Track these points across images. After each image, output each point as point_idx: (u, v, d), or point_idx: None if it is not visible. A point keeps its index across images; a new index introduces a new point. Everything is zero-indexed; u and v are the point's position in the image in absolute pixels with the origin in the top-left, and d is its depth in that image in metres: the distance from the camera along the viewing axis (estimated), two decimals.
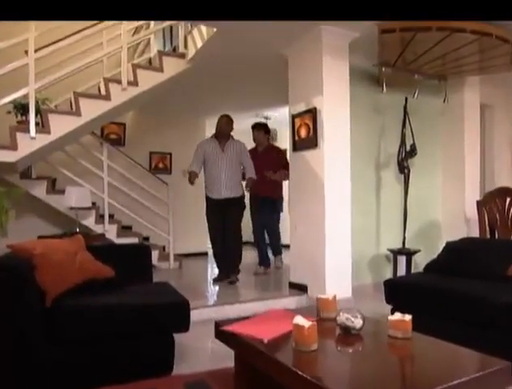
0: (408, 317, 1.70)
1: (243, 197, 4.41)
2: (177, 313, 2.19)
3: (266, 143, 5.17)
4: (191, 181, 4.27)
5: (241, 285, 4.30)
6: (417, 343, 1.66)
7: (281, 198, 5.41)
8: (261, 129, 5.14)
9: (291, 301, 3.82)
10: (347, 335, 1.74)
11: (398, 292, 2.76)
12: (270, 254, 5.21)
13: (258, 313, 3.41)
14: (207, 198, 4.38)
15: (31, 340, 1.98)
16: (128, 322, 2.12)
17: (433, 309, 2.49)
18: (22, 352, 1.98)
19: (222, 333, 1.84)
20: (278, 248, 5.32)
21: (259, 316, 2.01)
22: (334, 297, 2.00)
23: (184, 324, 2.19)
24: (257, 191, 4.83)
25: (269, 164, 4.91)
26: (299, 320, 1.59)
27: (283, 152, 5.23)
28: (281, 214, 5.47)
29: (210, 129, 7.47)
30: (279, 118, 6.92)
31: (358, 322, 1.74)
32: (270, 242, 5.26)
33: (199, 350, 2.70)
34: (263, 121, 7.07)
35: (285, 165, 4.77)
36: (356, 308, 1.80)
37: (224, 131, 4.34)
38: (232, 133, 4.48)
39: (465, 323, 2.30)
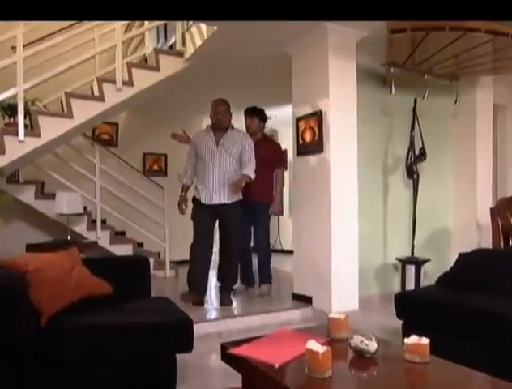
0: (426, 340, 1.70)
1: (241, 202, 3.91)
2: (179, 332, 2.18)
3: (261, 133, 4.38)
4: (180, 210, 3.96)
5: (241, 297, 4.29)
6: (436, 368, 1.66)
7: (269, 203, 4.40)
8: (254, 115, 4.34)
9: (295, 314, 3.83)
10: (362, 358, 1.74)
11: (410, 308, 2.76)
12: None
13: (261, 326, 3.46)
14: (195, 200, 3.90)
15: (24, 362, 1.97)
16: (128, 342, 2.11)
17: (447, 326, 2.49)
18: (15, 374, 1.97)
19: (229, 356, 1.83)
20: (269, 272, 4.40)
21: (267, 337, 2.00)
22: (347, 316, 2.00)
23: (187, 344, 2.18)
24: (247, 195, 3.97)
25: (264, 159, 4.09)
26: (312, 345, 1.59)
27: (281, 148, 4.53)
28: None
29: None
30: (279, 118, 6.91)
31: (373, 346, 1.74)
32: (259, 264, 4.40)
33: (201, 369, 2.69)
34: None
35: (283, 164, 4.38)
36: (371, 331, 1.80)
37: (221, 123, 3.79)
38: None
39: (482, 343, 2.31)
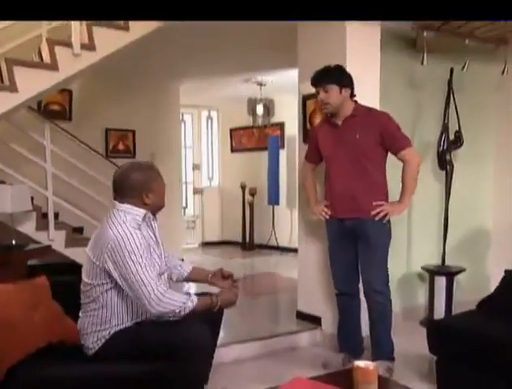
0: None
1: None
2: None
3: (352, 105, 3.27)
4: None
5: (235, 317, 4.29)
6: None
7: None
8: (330, 81, 3.21)
9: (301, 338, 3.94)
10: None
11: (446, 342, 2.84)
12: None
13: (263, 355, 3.54)
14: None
15: None
16: None
17: (497, 367, 2.58)
18: None
19: None
20: (390, 335, 3.38)
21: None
22: (376, 366, 2.07)
23: None
24: (334, 210, 3.36)
25: (367, 144, 3.20)
26: None
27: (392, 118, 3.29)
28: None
29: (185, 97, 7.40)
30: (275, 84, 6.90)
31: None
32: (374, 321, 3.36)
33: None
34: (257, 86, 7.00)
35: (408, 140, 3.26)
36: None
37: None
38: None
39: None
